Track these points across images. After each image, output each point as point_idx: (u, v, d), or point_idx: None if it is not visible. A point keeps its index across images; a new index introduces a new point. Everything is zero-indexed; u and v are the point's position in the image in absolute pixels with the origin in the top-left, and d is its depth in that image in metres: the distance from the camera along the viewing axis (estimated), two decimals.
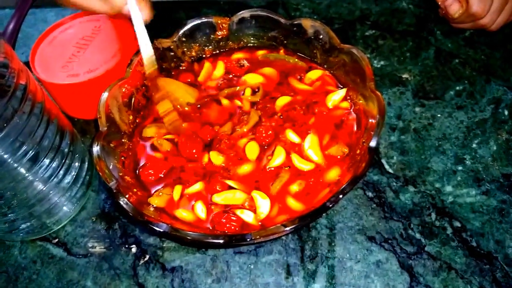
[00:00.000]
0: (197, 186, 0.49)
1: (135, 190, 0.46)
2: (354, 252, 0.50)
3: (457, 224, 0.52)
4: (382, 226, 0.52)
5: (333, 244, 0.51)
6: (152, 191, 0.49)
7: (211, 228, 0.45)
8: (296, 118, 0.53)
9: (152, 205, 0.47)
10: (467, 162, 0.57)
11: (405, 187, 0.55)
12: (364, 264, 0.49)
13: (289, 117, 0.53)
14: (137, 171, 0.50)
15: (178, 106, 0.56)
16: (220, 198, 0.48)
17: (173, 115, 0.55)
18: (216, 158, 0.50)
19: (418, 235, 0.51)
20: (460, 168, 0.56)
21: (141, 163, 0.51)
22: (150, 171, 0.50)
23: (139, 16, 0.52)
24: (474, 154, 0.57)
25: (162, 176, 0.50)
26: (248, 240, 0.38)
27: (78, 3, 0.53)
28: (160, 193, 0.48)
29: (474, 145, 0.58)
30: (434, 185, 0.55)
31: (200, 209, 0.47)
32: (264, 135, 0.51)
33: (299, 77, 0.58)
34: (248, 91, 0.56)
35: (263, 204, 0.46)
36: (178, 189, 0.48)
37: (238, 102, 0.56)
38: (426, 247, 0.50)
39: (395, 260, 0.49)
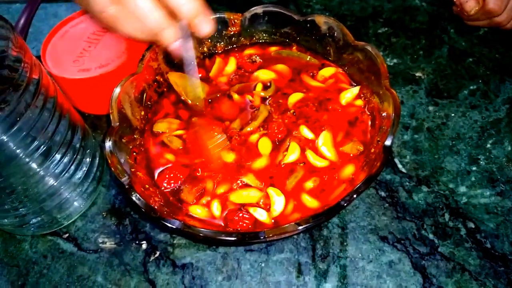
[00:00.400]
0: (210, 185, 0.49)
1: (147, 186, 0.46)
2: (366, 252, 0.50)
3: (471, 225, 0.51)
4: (395, 226, 0.51)
5: (345, 243, 0.50)
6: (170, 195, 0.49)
7: (223, 225, 0.45)
8: (309, 114, 0.53)
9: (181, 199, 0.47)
10: (481, 162, 0.56)
11: (418, 187, 0.54)
12: (377, 264, 0.49)
13: (302, 114, 0.53)
14: (155, 179, 0.50)
15: (189, 101, 0.55)
16: (236, 196, 0.47)
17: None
18: (227, 156, 0.50)
19: (431, 236, 0.50)
20: (474, 168, 0.55)
21: (156, 171, 0.51)
22: (169, 181, 0.49)
23: (193, 55, 0.46)
24: (488, 155, 0.56)
25: (180, 184, 0.49)
26: (261, 238, 0.38)
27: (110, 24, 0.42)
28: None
29: (488, 145, 0.57)
30: (447, 185, 0.54)
31: (216, 207, 0.46)
32: (276, 131, 0.51)
33: (311, 74, 0.57)
34: (259, 86, 0.56)
35: (278, 201, 0.46)
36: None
37: (249, 97, 0.55)
38: (439, 248, 0.49)
39: (407, 261, 0.49)
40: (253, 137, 0.51)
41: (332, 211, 0.39)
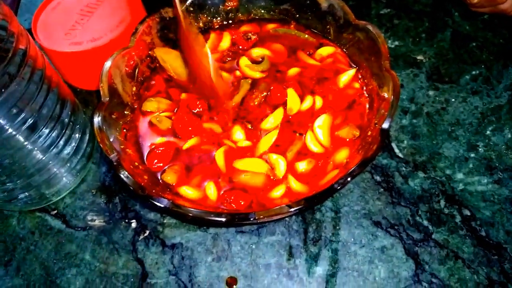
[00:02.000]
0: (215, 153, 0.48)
1: (136, 163, 0.45)
2: (358, 236, 0.49)
3: (467, 212, 0.50)
4: (389, 211, 0.50)
5: (337, 227, 0.50)
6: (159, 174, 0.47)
7: (217, 205, 0.44)
8: (309, 86, 0.52)
9: (163, 180, 0.46)
10: (480, 149, 0.55)
11: (415, 173, 0.53)
12: (369, 249, 0.48)
13: (303, 84, 0.52)
14: (144, 157, 0.48)
15: (175, 76, 0.54)
16: (242, 163, 0.47)
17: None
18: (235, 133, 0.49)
19: (425, 222, 0.49)
20: (472, 155, 0.54)
21: (145, 150, 0.49)
22: (156, 160, 0.48)
23: None
24: (487, 142, 0.55)
25: (170, 164, 0.48)
26: (251, 219, 0.37)
27: None
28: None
29: (488, 132, 0.56)
30: (444, 171, 0.53)
31: (212, 190, 0.45)
32: (279, 94, 0.50)
33: (308, 52, 0.55)
34: (243, 60, 0.54)
35: (281, 164, 0.46)
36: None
37: (238, 73, 0.54)
38: (433, 234, 0.49)
39: (400, 247, 0.48)
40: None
41: (325, 194, 0.38)
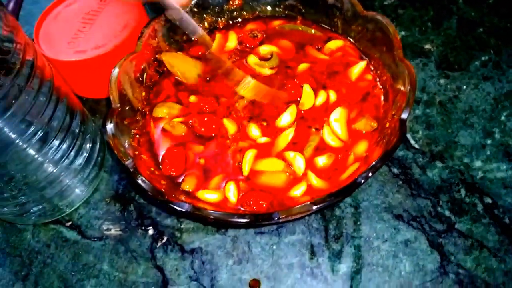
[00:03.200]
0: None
1: (152, 169, 0.44)
2: (381, 231, 0.48)
3: (488, 200, 0.49)
4: (409, 203, 0.50)
5: (358, 223, 0.49)
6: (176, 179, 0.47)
7: (237, 207, 0.43)
8: (321, 81, 0.51)
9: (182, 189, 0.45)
10: (496, 135, 0.54)
11: (432, 163, 0.52)
12: (392, 243, 0.47)
13: (315, 79, 0.51)
14: (159, 162, 0.48)
15: (184, 80, 0.53)
16: (261, 164, 0.46)
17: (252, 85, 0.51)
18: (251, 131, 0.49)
19: (447, 213, 0.49)
20: (489, 142, 0.53)
21: (160, 155, 0.48)
22: (169, 167, 0.47)
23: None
24: (503, 127, 0.54)
25: (186, 169, 0.47)
26: (275, 219, 0.36)
27: None
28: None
29: (503, 118, 0.55)
30: (462, 160, 0.52)
31: (232, 192, 0.44)
32: (293, 91, 0.50)
33: (317, 47, 0.54)
34: (251, 58, 0.54)
35: (299, 162, 0.45)
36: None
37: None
38: (456, 224, 0.48)
39: (424, 239, 0.47)
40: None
41: (349, 189, 0.37)
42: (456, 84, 0.59)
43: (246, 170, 0.45)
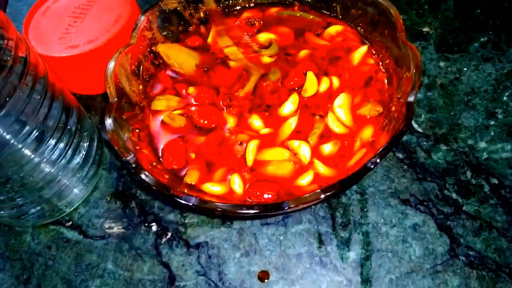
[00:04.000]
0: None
1: (154, 163, 0.43)
2: (388, 216, 0.47)
3: (494, 181, 0.49)
4: (416, 188, 0.49)
5: (365, 209, 0.48)
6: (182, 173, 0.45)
7: (248, 199, 0.42)
8: (322, 67, 0.50)
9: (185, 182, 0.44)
10: (499, 116, 0.53)
11: (437, 146, 0.52)
12: (400, 228, 0.47)
13: (318, 66, 0.50)
14: (159, 158, 0.46)
15: (181, 71, 0.52)
16: (266, 154, 0.45)
17: (233, 49, 0.53)
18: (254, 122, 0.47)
19: (454, 195, 0.48)
20: (492, 122, 0.53)
21: (159, 146, 0.47)
22: (173, 160, 0.46)
23: None
24: (505, 108, 0.54)
25: (187, 162, 0.46)
26: (285, 208, 0.35)
27: None
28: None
29: (505, 98, 0.55)
30: (466, 142, 0.52)
31: (238, 184, 0.43)
32: (296, 79, 0.49)
33: (316, 33, 0.53)
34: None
35: (305, 150, 0.44)
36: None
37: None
38: (463, 206, 0.47)
39: (432, 223, 0.47)
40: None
41: (359, 175, 0.37)
42: (456, 66, 0.58)
43: (250, 160, 0.44)
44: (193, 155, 0.46)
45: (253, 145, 0.45)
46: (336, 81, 0.48)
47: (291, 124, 0.46)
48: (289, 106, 0.47)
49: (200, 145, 0.47)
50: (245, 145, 0.45)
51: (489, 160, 0.50)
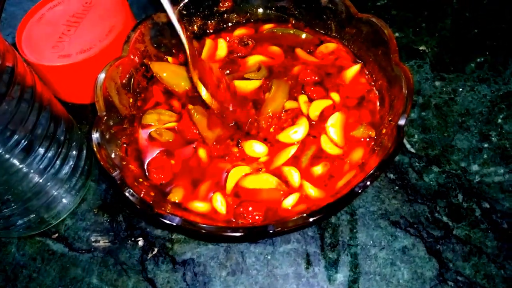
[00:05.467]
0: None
1: (140, 180, 0.42)
2: (377, 238, 0.47)
3: (486, 205, 0.48)
4: (406, 209, 0.48)
5: (354, 230, 0.48)
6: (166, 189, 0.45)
7: (230, 219, 0.41)
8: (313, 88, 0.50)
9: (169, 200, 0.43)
10: (493, 138, 0.53)
11: (429, 167, 0.51)
12: (389, 251, 0.46)
13: (309, 84, 0.50)
14: (146, 174, 0.46)
15: (176, 89, 0.51)
16: (249, 181, 0.44)
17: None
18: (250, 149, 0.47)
19: (445, 218, 0.48)
20: (486, 145, 0.53)
21: (146, 161, 0.47)
22: (158, 175, 0.45)
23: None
24: (500, 130, 0.54)
25: (173, 178, 0.46)
26: (270, 232, 0.35)
27: None
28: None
29: (499, 121, 0.54)
30: (459, 164, 0.51)
31: (220, 202, 0.43)
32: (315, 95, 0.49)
33: (308, 50, 0.53)
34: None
35: (295, 176, 0.43)
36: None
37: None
38: (454, 230, 0.47)
39: (422, 246, 0.46)
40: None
41: (346, 200, 0.36)
42: (451, 87, 0.58)
43: (228, 189, 0.44)
44: (172, 161, 0.46)
45: (234, 175, 0.44)
46: (336, 97, 0.48)
47: (289, 152, 0.45)
48: (300, 132, 0.46)
49: (186, 160, 0.46)
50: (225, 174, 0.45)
51: (482, 184, 0.50)
